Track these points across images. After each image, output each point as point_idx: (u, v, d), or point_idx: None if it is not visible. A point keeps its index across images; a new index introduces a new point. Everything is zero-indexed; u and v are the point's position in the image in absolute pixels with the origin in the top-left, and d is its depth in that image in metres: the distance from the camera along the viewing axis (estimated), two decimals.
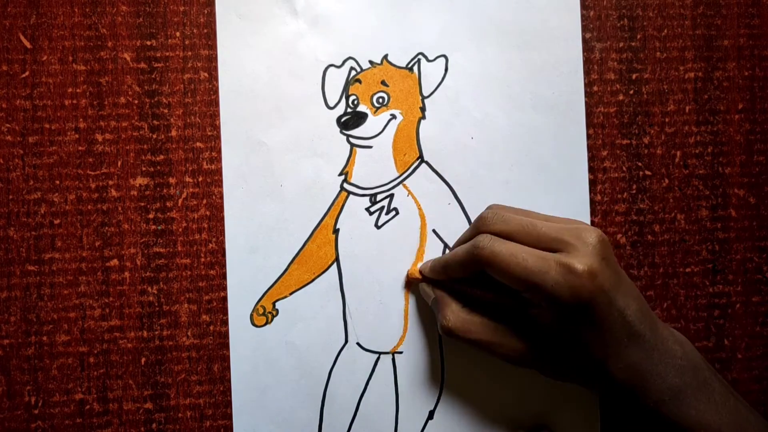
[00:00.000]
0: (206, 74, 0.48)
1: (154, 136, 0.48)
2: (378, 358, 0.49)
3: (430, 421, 0.49)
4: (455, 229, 0.49)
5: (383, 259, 0.49)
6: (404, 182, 0.49)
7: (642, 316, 0.41)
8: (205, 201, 0.48)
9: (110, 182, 0.48)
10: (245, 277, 0.48)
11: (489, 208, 0.46)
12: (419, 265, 0.49)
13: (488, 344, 0.43)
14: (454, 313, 0.44)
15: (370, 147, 0.49)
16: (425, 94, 0.49)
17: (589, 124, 0.50)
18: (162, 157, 0.48)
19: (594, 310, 0.39)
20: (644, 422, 0.42)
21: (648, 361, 0.41)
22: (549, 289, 0.39)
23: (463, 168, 0.49)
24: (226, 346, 0.48)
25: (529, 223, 0.42)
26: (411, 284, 0.49)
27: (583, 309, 0.39)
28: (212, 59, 0.48)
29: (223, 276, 0.48)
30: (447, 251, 0.49)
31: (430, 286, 0.47)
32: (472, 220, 0.49)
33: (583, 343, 0.41)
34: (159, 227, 0.48)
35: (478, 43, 0.50)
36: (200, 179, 0.48)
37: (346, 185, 0.49)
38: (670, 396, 0.41)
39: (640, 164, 0.51)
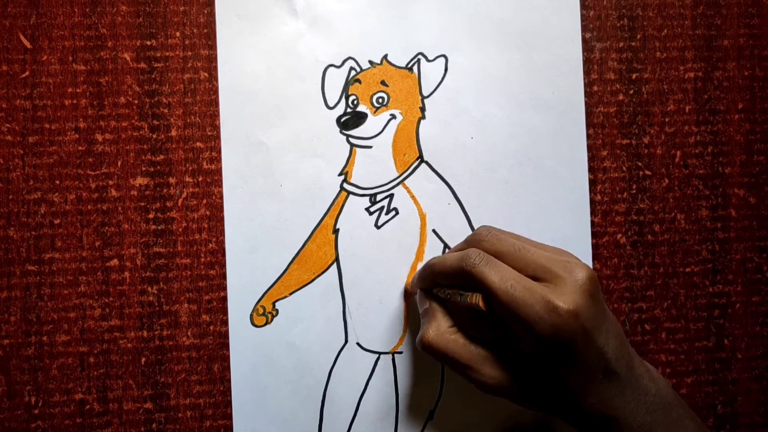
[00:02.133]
0: (206, 74, 0.48)
1: (154, 136, 0.48)
2: (378, 358, 0.49)
3: (430, 421, 0.49)
4: (455, 228, 0.49)
5: (383, 259, 0.49)
6: (404, 182, 0.49)
7: (620, 354, 0.41)
8: (205, 201, 0.48)
9: (110, 182, 0.48)
10: (245, 277, 0.48)
11: (483, 226, 0.45)
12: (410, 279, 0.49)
13: (464, 367, 0.42)
14: (438, 330, 0.43)
15: (369, 147, 0.49)
16: (425, 94, 0.49)
17: (589, 124, 0.50)
18: (162, 157, 0.48)
19: (573, 348, 0.39)
20: None
21: (621, 397, 0.41)
22: (531, 323, 0.39)
23: (463, 168, 0.49)
24: (226, 346, 0.48)
25: (521, 247, 0.42)
26: (409, 295, 0.49)
27: (563, 346, 0.39)
28: (212, 59, 0.48)
29: (223, 276, 0.48)
30: (447, 251, 0.49)
31: (426, 296, 0.46)
32: (472, 220, 0.49)
33: (559, 376, 0.40)
34: (159, 227, 0.48)
35: (478, 43, 0.50)
36: (200, 179, 0.48)
37: (345, 185, 0.49)
38: None
39: (640, 164, 0.51)
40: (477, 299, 0.41)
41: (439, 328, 0.43)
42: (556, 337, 0.39)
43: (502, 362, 0.42)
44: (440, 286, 0.44)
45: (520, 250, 0.41)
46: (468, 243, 0.44)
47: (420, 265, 0.49)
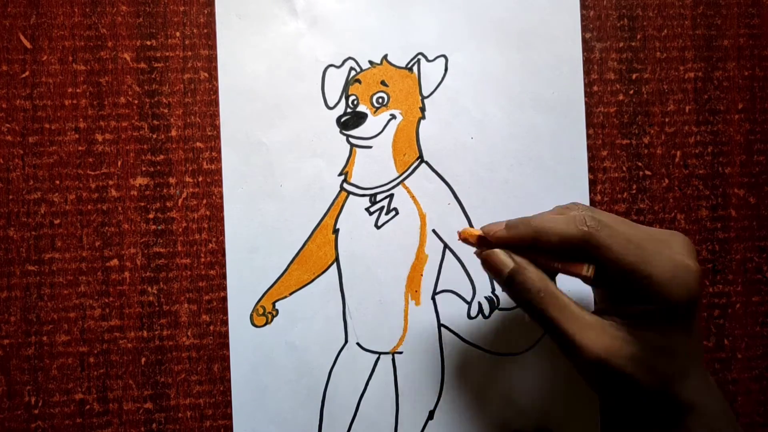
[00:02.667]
0: (206, 74, 0.48)
1: (154, 136, 0.48)
2: (378, 358, 0.49)
3: (430, 421, 0.49)
4: (455, 228, 0.49)
5: (383, 259, 0.49)
6: (404, 182, 0.49)
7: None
8: (205, 201, 0.48)
9: (110, 182, 0.48)
10: (245, 278, 0.48)
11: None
12: (480, 227, 0.42)
13: (567, 329, 0.38)
14: (595, 329, 0.38)
15: (369, 147, 0.49)
16: (425, 94, 0.49)
17: (589, 124, 0.50)
18: (162, 157, 0.48)
19: (694, 312, 0.38)
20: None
21: (707, 388, 0.40)
22: (665, 282, 0.37)
23: (463, 168, 0.49)
24: (226, 346, 0.48)
25: (622, 220, 0.40)
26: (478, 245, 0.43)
27: (689, 308, 0.38)
28: (212, 59, 0.48)
29: (223, 276, 0.48)
30: (447, 251, 0.49)
31: (507, 253, 0.40)
32: (472, 220, 0.49)
33: (670, 351, 0.38)
34: (159, 227, 0.48)
35: (478, 43, 0.50)
36: (200, 179, 0.48)
37: (345, 185, 0.49)
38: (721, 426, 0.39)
39: (640, 164, 0.51)
40: (590, 271, 0.38)
41: (594, 325, 0.39)
42: (689, 296, 0.37)
43: (610, 331, 0.38)
44: (539, 252, 0.40)
45: (625, 221, 0.40)
46: (558, 212, 0.41)
47: (420, 266, 0.49)
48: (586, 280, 0.39)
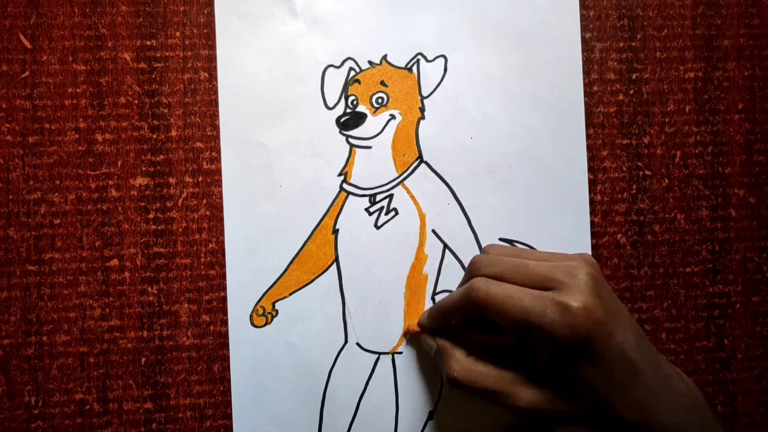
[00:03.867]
0: (206, 74, 0.48)
1: (154, 136, 0.48)
2: (378, 359, 0.49)
3: (430, 421, 0.49)
4: (454, 229, 0.49)
5: (383, 260, 0.49)
6: (404, 182, 0.49)
7: (642, 352, 0.41)
8: (205, 201, 0.48)
9: (110, 182, 0.48)
10: (245, 278, 0.48)
11: (483, 250, 0.47)
12: (418, 320, 0.49)
13: (496, 394, 0.42)
14: (459, 362, 0.43)
15: (369, 147, 0.49)
16: (424, 94, 0.49)
17: (589, 124, 0.50)
18: (162, 157, 0.48)
19: (593, 346, 0.39)
20: None
21: (653, 398, 0.41)
22: (547, 328, 0.39)
23: (463, 168, 0.49)
24: (226, 346, 0.48)
25: (520, 264, 0.42)
26: (415, 334, 0.49)
27: (583, 346, 0.39)
28: (212, 59, 0.48)
29: (223, 276, 0.48)
30: (446, 251, 0.49)
31: (431, 337, 0.47)
32: (472, 220, 0.49)
33: (587, 384, 0.40)
34: (159, 227, 0.48)
35: (478, 43, 0.50)
36: (200, 179, 0.48)
37: (345, 185, 0.49)
38: None
39: (640, 164, 0.51)
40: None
41: (459, 360, 0.43)
42: (574, 336, 0.39)
43: (528, 383, 0.42)
44: (450, 325, 0.45)
45: (520, 267, 0.42)
46: (468, 273, 0.45)
47: (419, 266, 0.49)
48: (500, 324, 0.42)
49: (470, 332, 0.45)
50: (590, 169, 0.50)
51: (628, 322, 0.41)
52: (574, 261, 0.42)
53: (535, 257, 0.43)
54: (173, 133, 0.48)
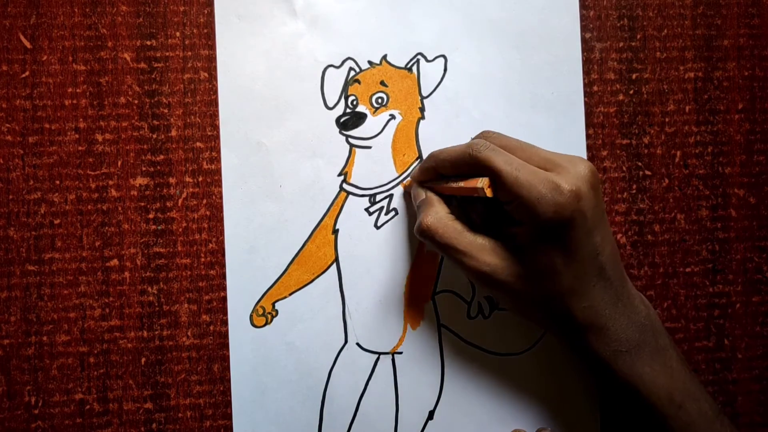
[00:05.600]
0: (206, 74, 0.48)
1: (154, 136, 0.48)
2: (378, 359, 0.49)
3: (430, 422, 0.49)
4: None
5: (382, 260, 0.49)
6: (403, 182, 0.49)
7: (614, 264, 0.42)
8: (205, 201, 0.48)
9: (110, 182, 0.48)
10: (245, 278, 0.48)
11: (487, 130, 0.46)
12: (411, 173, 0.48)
13: (461, 253, 0.42)
14: (437, 215, 0.43)
15: (369, 147, 0.49)
16: (424, 94, 0.49)
17: (589, 124, 0.50)
18: (162, 157, 0.48)
19: (571, 233, 0.40)
20: (597, 377, 0.43)
21: (612, 308, 0.42)
22: (534, 202, 0.39)
23: None
24: (226, 346, 0.48)
25: (525, 144, 0.43)
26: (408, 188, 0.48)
27: (562, 228, 0.39)
28: (212, 59, 0.48)
29: (223, 276, 0.48)
30: None
31: (423, 188, 0.46)
32: None
33: (553, 270, 0.41)
34: (159, 227, 0.48)
35: (477, 43, 0.50)
36: (200, 179, 0.48)
37: (345, 186, 0.49)
38: (628, 348, 0.42)
39: (640, 164, 0.51)
40: (483, 183, 0.41)
41: (438, 214, 0.43)
42: (557, 216, 0.39)
43: (498, 252, 0.42)
44: (442, 177, 0.45)
45: (524, 146, 0.42)
46: (473, 139, 0.45)
47: (419, 267, 0.49)
48: (487, 197, 0.41)
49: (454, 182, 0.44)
50: None
51: (609, 232, 0.42)
52: (577, 156, 0.42)
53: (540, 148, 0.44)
54: (173, 133, 0.48)
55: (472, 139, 0.45)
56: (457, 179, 0.43)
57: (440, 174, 0.45)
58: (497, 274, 0.42)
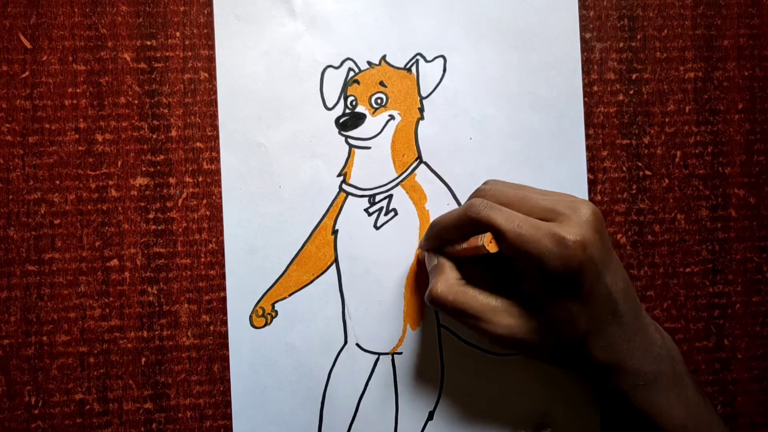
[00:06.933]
0: (206, 74, 0.48)
1: (154, 136, 0.48)
2: (377, 359, 0.49)
3: (430, 422, 0.49)
4: None
5: (382, 260, 0.49)
6: (403, 183, 0.49)
7: (627, 298, 0.42)
8: (205, 201, 0.48)
9: (110, 182, 0.48)
10: (244, 278, 0.48)
11: (485, 183, 0.46)
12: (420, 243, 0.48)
13: (475, 318, 0.42)
14: (446, 282, 0.43)
15: (368, 148, 0.49)
16: (423, 94, 0.49)
17: (589, 124, 0.50)
18: (162, 157, 0.48)
19: (582, 281, 0.40)
20: (615, 409, 0.43)
21: (628, 343, 0.42)
22: (540, 257, 0.39)
23: (462, 168, 0.49)
24: (226, 346, 0.48)
25: (524, 195, 0.42)
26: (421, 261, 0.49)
27: (572, 279, 0.39)
28: (212, 59, 0.48)
29: (223, 276, 0.48)
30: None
31: (435, 254, 0.46)
32: None
33: (569, 317, 0.41)
34: (159, 227, 0.48)
35: (477, 44, 0.50)
36: (200, 179, 0.48)
37: (344, 186, 0.49)
38: (645, 382, 0.42)
39: (640, 164, 0.51)
40: (485, 240, 0.41)
41: (448, 281, 0.43)
42: (565, 269, 0.39)
43: (512, 311, 0.42)
44: (447, 242, 0.45)
45: (523, 198, 0.42)
46: (471, 197, 0.45)
47: (419, 267, 0.49)
48: (487, 253, 0.41)
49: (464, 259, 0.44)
50: (590, 170, 0.50)
51: (619, 267, 0.42)
52: (577, 199, 0.42)
53: (539, 192, 0.43)
54: (173, 133, 0.48)
55: (470, 197, 0.46)
56: (462, 242, 0.43)
57: (445, 240, 0.45)
58: (515, 335, 0.42)
